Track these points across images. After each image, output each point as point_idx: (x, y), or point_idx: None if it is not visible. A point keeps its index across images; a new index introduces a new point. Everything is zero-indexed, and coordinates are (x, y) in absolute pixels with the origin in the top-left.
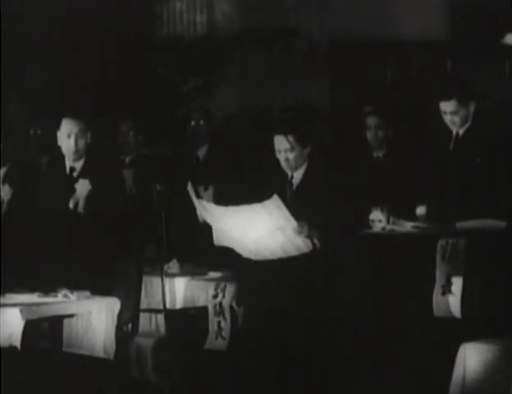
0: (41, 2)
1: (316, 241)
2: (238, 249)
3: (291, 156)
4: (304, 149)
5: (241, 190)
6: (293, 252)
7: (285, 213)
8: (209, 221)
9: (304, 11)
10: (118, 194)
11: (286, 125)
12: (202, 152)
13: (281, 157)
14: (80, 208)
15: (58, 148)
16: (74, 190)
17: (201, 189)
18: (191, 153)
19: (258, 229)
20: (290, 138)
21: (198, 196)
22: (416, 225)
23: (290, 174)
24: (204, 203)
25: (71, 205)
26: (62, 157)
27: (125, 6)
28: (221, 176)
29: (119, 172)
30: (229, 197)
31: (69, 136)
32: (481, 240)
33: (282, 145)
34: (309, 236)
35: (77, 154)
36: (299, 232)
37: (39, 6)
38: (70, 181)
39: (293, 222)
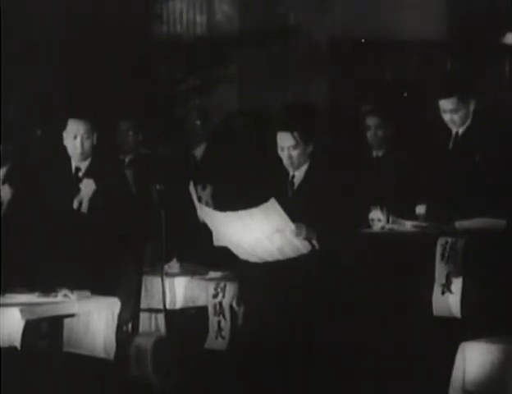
0: (41, 2)
1: (315, 242)
2: (236, 252)
3: (294, 153)
4: (307, 147)
5: (241, 190)
6: (291, 254)
7: (283, 215)
8: (208, 223)
9: (304, 11)
10: (123, 193)
11: (291, 122)
12: (199, 151)
13: (283, 154)
14: (84, 208)
15: (64, 148)
16: (78, 190)
17: (199, 188)
18: (188, 153)
19: (256, 232)
20: (295, 134)
21: (197, 196)
22: (416, 224)
23: (291, 173)
24: (203, 206)
25: (75, 205)
26: (67, 156)
27: (125, 6)
28: (220, 176)
29: (123, 172)
30: (228, 197)
31: (75, 137)
32: (480, 239)
33: (286, 142)
34: (308, 238)
35: (83, 155)
36: (297, 234)
37: (39, 6)
38: (75, 181)
39: (291, 225)
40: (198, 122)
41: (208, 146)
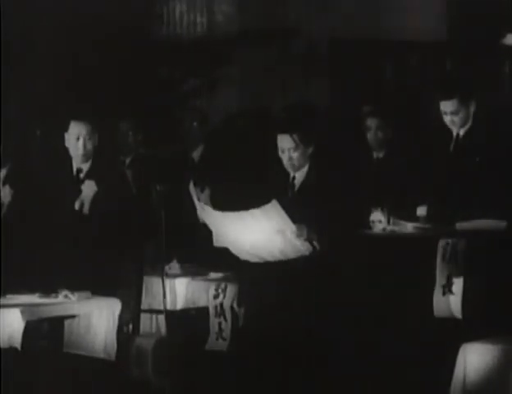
0: (41, 2)
1: (315, 243)
2: (236, 252)
3: (295, 155)
4: (308, 149)
5: (240, 191)
6: (292, 255)
7: (284, 217)
8: (208, 223)
9: (304, 11)
10: (124, 194)
11: (291, 124)
12: (197, 153)
13: (284, 156)
14: (86, 209)
15: (65, 149)
16: (80, 191)
17: (197, 190)
18: (186, 155)
19: (257, 232)
20: (295, 136)
21: (197, 196)
22: (416, 225)
23: (292, 174)
24: (204, 205)
25: (77, 206)
26: (68, 158)
27: (125, 6)
28: (218, 178)
29: (124, 173)
30: (227, 198)
31: (77, 139)
32: (481, 240)
33: (286, 144)
34: (309, 239)
35: (85, 156)
36: (299, 235)
37: (39, 6)
38: (76, 182)
39: (292, 226)
40: (195, 124)
41: (206, 148)
